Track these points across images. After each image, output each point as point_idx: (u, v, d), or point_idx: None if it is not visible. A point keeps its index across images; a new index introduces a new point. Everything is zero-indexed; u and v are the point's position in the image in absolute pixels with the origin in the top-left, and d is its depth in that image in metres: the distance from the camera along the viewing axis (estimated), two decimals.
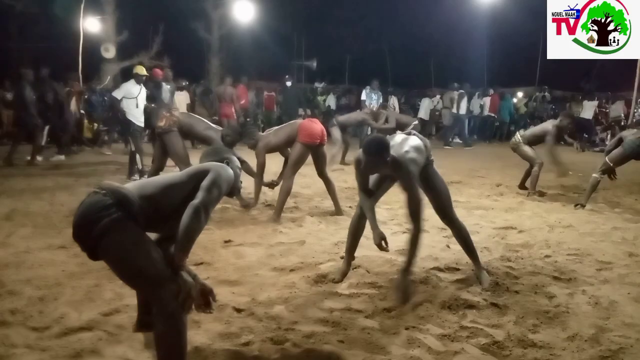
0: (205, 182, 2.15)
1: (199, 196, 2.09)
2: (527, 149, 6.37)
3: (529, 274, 3.48)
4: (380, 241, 3.03)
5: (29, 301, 2.88)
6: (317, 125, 5.01)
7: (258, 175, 5.16)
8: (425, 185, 3.26)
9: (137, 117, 7.26)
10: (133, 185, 2.17)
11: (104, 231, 1.93)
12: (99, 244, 1.95)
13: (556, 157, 6.36)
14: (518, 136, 6.59)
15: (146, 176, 6.86)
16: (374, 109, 10.58)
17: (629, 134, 5.63)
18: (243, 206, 5.22)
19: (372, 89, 11.87)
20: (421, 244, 3.01)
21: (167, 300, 1.94)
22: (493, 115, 14.74)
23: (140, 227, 2.02)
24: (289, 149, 5.15)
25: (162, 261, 2.00)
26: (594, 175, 5.64)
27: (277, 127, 5.43)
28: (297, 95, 13.58)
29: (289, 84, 14.45)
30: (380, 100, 12.00)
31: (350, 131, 10.35)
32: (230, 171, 2.32)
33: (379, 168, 3.01)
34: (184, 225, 2.02)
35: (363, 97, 11.91)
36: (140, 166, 7.01)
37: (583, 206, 5.57)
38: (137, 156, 7.09)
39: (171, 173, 2.30)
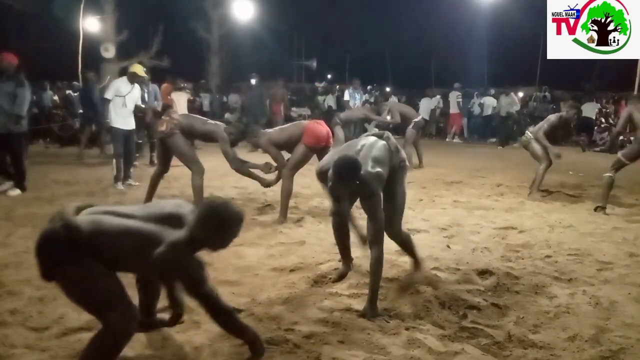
0: (189, 290, 2.16)
1: (204, 308, 2.19)
2: (537, 147, 6.29)
3: (529, 274, 3.48)
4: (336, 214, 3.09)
5: (28, 301, 2.87)
6: (323, 128, 4.94)
7: (280, 166, 4.98)
8: (385, 188, 3.04)
9: (124, 116, 6.61)
10: (93, 217, 2.10)
11: (54, 265, 2.04)
12: (51, 273, 2.07)
13: (544, 142, 6.25)
14: (529, 133, 6.55)
15: (129, 182, 6.65)
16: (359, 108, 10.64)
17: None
18: (265, 185, 5.11)
19: (355, 88, 11.88)
20: (382, 270, 2.88)
21: (114, 322, 2.02)
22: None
23: (88, 258, 2.05)
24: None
25: (112, 286, 2.08)
26: (607, 175, 5.48)
27: (281, 126, 5.42)
28: (261, 95, 13.38)
29: (253, 81, 14.21)
30: (364, 99, 11.99)
31: (351, 130, 10.32)
32: (183, 250, 2.12)
33: (345, 190, 2.84)
34: (222, 328, 2.29)
35: (346, 97, 11.90)
36: (115, 172, 6.55)
37: (603, 208, 5.39)
38: (114, 162, 6.62)
39: (133, 222, 2.11)
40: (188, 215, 2.18)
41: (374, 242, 2.85)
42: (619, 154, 5.52)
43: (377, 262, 2.84)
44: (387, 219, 3.01)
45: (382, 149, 3.00)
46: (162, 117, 5.34)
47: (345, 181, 2.76)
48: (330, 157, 3.10)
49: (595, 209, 5.48)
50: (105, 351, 2.04)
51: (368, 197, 2.85)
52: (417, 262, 3.34)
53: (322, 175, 3.06)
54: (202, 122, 5.29)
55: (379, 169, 2.87)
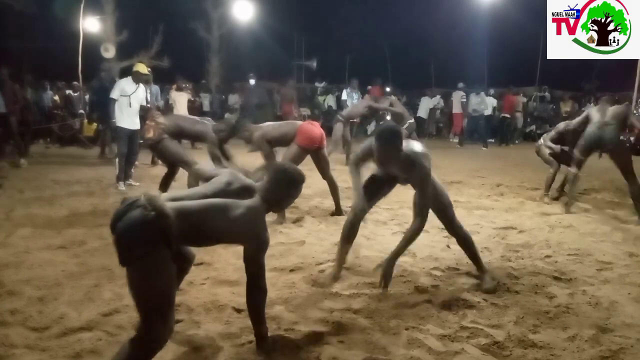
0: (250, 254, 2.29)
1: (250, 273, 2.29)
2: (546, 152, 6.33)
3: (529, 274, 3.48)
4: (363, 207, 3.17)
5: (28, 301, 2.87)
6: (317, 129, 4.94)
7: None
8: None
9: (129, 116, 6.63)
10: (175, 204, 2.11)
11: (141, 254, 2.00)
12: (131, 261, 2.02)
13: (550, 145, 6.33)
14: (541, 140, 6.61)
15: (129, 182, 6.62)
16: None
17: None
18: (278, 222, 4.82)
19: (352, 88, 11.89)
20: (416, 239, 3.06)
21: (156, 331, 2.02)
22: (508, 116, 14.07)
23: (171, 252, 2.06)
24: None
25: (172, 294, 2.09)
26: (571, 172, 5.58)
27: (275, 123, 5.41)
28: (263, 95, 13.33)
29: (252, 82, 14.15)
30: (360, 100, 12.02)
31: (354, 131, 10.33)
32: (261, 213, 2.29)
33: (391, 159, 2.96)
34: (249, 307, 2.32)
35: (344, 96, 11.91)
36: (117, 171, 6.60)
37: (570, 205, 5.49)
38: (117, 161, 6.67)
39: (217, 200, 2.21)
40: (252, 184, 2.36)
41: (420, 213, 3.01)
42: (574, 150, 5.59)
43: (417, 230, 3.01)
44: (443, 216, 3.29)
45: (420, 145, 3.18)
46: (147, 122, 5.18)
47: (387, 145, 2.89)
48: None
49: (565, 205, 5.54)
50: (140, 357, 2.03)
51: (422, 173, 2.99)
52: (478, 266, 3.34)
53: (364, 156, 3.21)
54: (192, 122, 5.22)
55: (425, 151, 3.07)
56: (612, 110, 5.30)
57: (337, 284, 3.25)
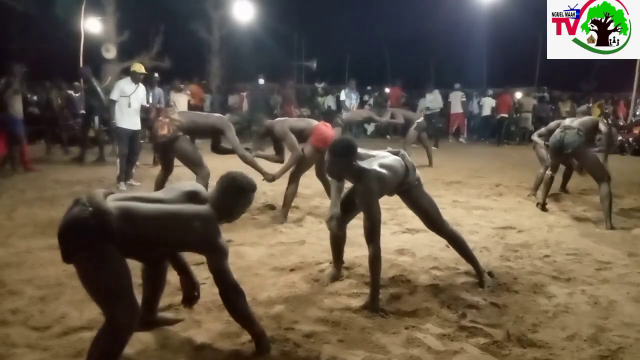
0: (210, 263, 2.27)
1: (219, 283, 2.29)
2: (541, 150, 6.38)
3: (528, 273, 3.49)
4: (333, 219, 3.08)
5: (29, 301, 2.89)
6: (330, 132, 4.99)
7: (295, 156, 4.88)
8: (413, 207, 3.31)
9: (130, 116, 6.63)
10: (121, 204, 2.13)
11: (78, 248, 2.05)
12: (72, 256, 2.07)
13: (538, 141, 6.45)
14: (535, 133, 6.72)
15: (130, 182, 6.65)
16: (355, 109, 10.72)
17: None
18: (269, 179, 4.92)
19: (351, 88, 11.87)
20: (381, 266, 2.91)
21: (117, 316, 2.05)
22: (506, 116, 14.07)
23: (114, 245, 2.06)
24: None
25: (124, 279, 2.10)
26: (547, 173, 5.62)
27: (295, 118, 5.49)
28: (263, 95, 13.46)
29: (261, 82, 14.17)
30: (358, 100, 12.04)
31: (354, 130, 10.36)
32: (213, 220, 2.27)
33: (341, 172, 2.96)
34: (233, 313, 2.35)
35: (342, 97, 11.90)
36: (118, 171, 6.62)
37: (543, 205, 5.51)
38: (118, 162, 6.68)
39: (162, 205, 2.21)
40: (204, 192, 2.37)
41: (369, 239, 2.89)
42: (547, 154, 5.65)
43: (374, 258, 2.88)
44: (431, 227, 3.29)
45: (394, 161, 3.11)
46: (161, 119, 5.03)
47: (337, 158, 2.87)
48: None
49: (537, 205, 5.56)
50: (110, 346, 2.06)
51: (362, 190, 2.91)
52: (474, 265, 3.32)
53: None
54: (204, 116, 5.31)
55: (383, 171, 2.94)
56: (582, 119, 5.38)
57: (337, 284, 3.26)
